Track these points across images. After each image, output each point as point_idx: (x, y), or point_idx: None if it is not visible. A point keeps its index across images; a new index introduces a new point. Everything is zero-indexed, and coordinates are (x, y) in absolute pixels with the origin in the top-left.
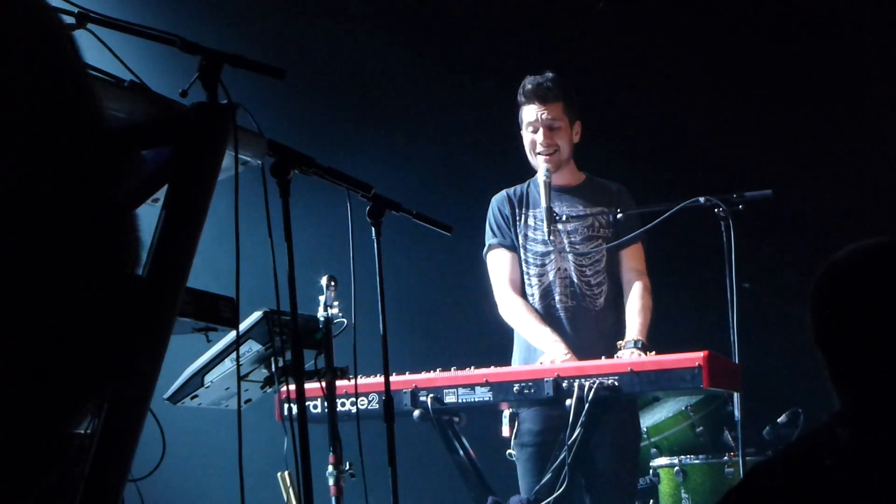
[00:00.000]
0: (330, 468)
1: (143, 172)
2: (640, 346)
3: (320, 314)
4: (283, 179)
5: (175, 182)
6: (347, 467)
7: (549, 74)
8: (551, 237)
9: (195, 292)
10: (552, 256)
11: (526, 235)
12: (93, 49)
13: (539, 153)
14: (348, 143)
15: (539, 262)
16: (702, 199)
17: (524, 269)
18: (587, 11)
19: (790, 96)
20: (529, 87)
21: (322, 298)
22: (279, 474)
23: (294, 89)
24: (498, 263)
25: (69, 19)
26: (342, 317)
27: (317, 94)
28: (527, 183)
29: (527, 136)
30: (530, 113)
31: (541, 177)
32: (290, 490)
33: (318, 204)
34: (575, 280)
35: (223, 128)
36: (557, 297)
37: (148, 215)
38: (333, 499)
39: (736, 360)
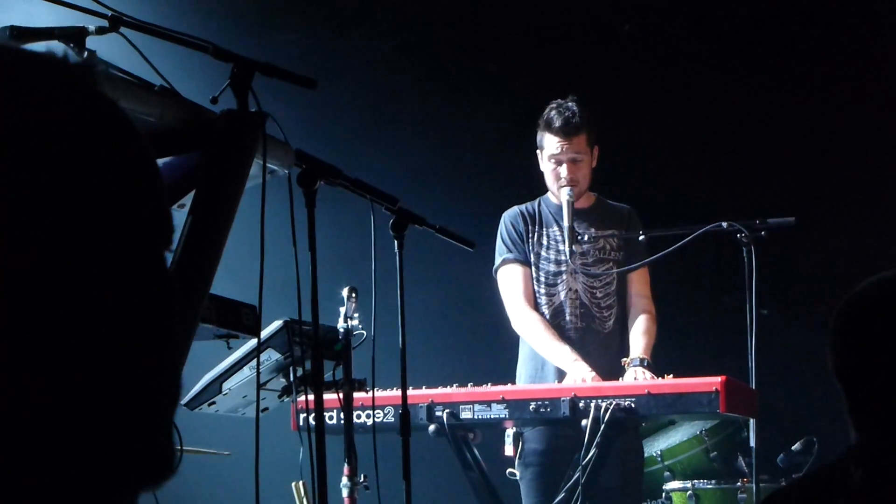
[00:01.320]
0: (344, 479)
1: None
2: (645, 364)
3: (340, 325)
4: (309, 189)
5: (202, 188)
6: (362, 479)
7: (573, 106)
8: (571, 258)
9: (218, 299)
10: (564, 276)
11: (538, 254)
12: (124, 53)
13: (562, 186)
14: (374, 154)
15: (551, 282)
16: (724, 224)
17: (535, 287)
18: (612, 33)
19: (815, 123)
20: (557, 123)
21: (342, 309)
22: (293, 484)
23: (321, 99)
24: (512, 278)
25: (102, 22)
26: (362, 328)
27: (344, 105)
28: (537, 201)
29: (548, 164)
30: (553, 145)
31: (564, 197)
32: (305, 500)
33: (342, 215)
34: (585, 301)
35: (252, 136)
36: (568, 318)
37: (174, 220)
38: None
39: (753, 386)
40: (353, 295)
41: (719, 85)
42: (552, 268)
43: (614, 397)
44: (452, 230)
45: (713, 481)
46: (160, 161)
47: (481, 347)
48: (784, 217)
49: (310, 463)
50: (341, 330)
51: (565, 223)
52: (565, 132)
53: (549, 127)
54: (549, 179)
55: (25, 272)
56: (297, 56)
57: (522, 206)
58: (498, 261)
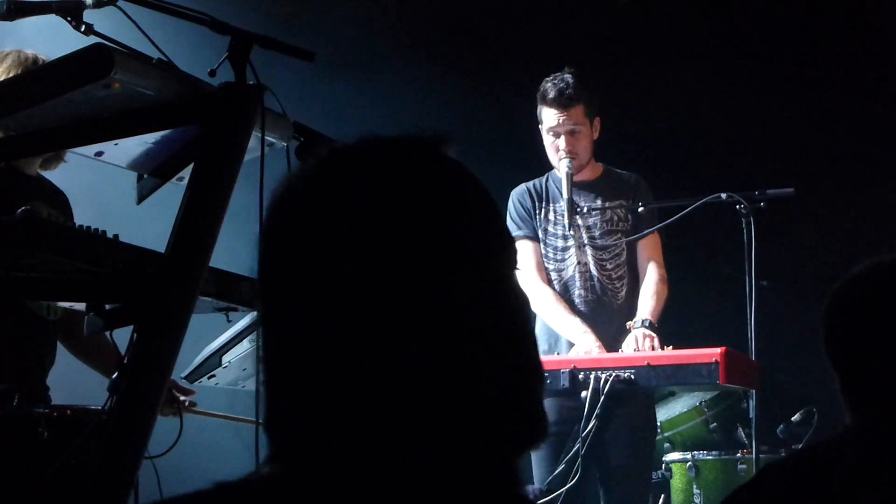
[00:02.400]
0: None
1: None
2: (647, 324)
3: None
4: None
5: (200, 161)
6: None
7: (569, 78)
8: (571, 231)
9: (217, 272)
10: (572, 251)
11: (546, 230)
12: (122, 26)
13: (561, 158)
14: (373, 127)
15: (559, 257)
16: (723, 196)
17: (546, 263)
18: (611, 6)
19: (814, 94)
20: (551, 94)
21: None
22: None
23: (319, 72)
24: (523, 255)
25: None
26: None
27: (342, 77)
28: (545, 177)
29: (547, 137)
30: (551, 117)
31: (563, 169)
32: None
33: None
34: (595, 274)
35: (250, 109)
36: (577, 292)
37: (172, 193)
38: None
39: (753, 357)
40: None
41: (718, 56)
42: (560, 242)
43: (614, 369)
44: None
45: (713, 452)
46: (158, 134)
47: None
48: (783, 188)
49: None
50: None
51: (564, 195)
52: (560, 103)
53: (545, 99)
54: (550, 153)
55: (446, 291)
56: (295, 28)
57: (530, 183)
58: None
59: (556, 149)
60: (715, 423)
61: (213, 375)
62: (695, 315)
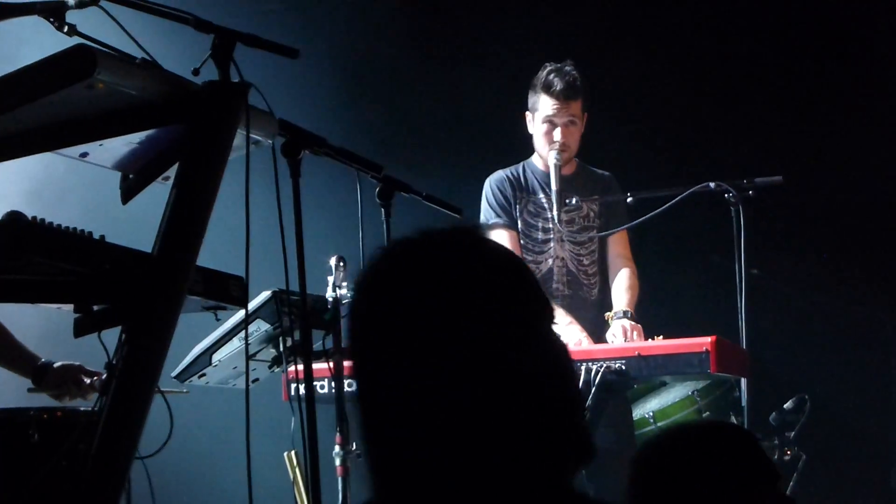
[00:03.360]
0: (337, 448)
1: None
2: (629, 315)
3: (329, 294)
4: (293, 159)
5: (186, 160)
6: (354, 448)
7: (573, 70)
8: (560, 225)
9: (205, 271)
10: (551, 244)
11: (526, 221)
12: (105, 26)
13: (552, 149)
14: (360, 124)
15: (537, 250)
16: (712, 185)
17: (524, 255)
18: None
19: (801, 82)
20: (559, 86)
21: (331, 279)
22: (286, 454)
23: (305, 70)
24: (501, 243)
25: None
26: (351, 297)
27: (328, 75)
28: (521, 166)
29: (540, 126)
30: (548, 106)
31: (551, 161)
32: (297, 470)
33: (328, 184)
34: (572, 269)
35: (235, 107)
36: (554, 286)
37: (158, 193)
38: (340, 479)
39: (743, 345)
40: (342, 264)
41: (705, 45)
42: (540, 235)
43: (605, 359)
44: (439, 197)
45: None
46: (143, 134)
47: None
48: (772, 176)
49: (301, 432)
50: (330, 299)
51: (553, 187)
52: (566, 95)
53: (547, 89)
54: (540, 142)
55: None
56: (279, 26)
57: (507, 171)
58: (484, 225)
59: (549, 139)
60: (707, 412)
61: (204, 374)
62: (685, 304)
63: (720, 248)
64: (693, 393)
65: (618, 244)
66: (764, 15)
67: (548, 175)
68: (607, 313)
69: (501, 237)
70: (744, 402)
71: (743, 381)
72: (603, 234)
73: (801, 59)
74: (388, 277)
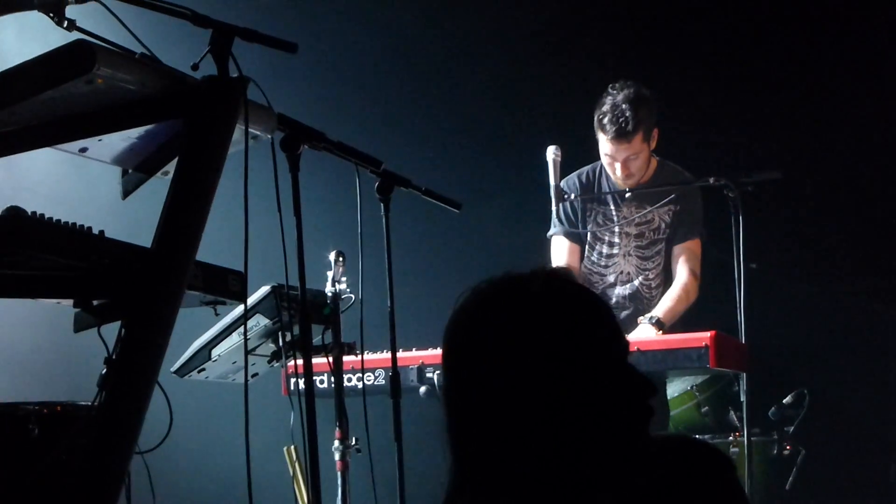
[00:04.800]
0: (336, 443)
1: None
2: (654, 321)
3: (328, 289)
4: (292, 154)
5: (185, 155)
6: (354, 442)
7: (627, 110)
8: (613, 238)
9: (204, 265)
10: (616, 259)
11: (594, 234)
12: (104, 21)
13: (616, 176)
14: (359, 118)
15: (602, 263)
16: (711, 180)
17: (587, 265)
18: None
19: (800, 77)
20: (610, 130)
21: (330, 274)
22: (285, 449)
23: (305, 64)
24: (556, 252)
25: None
26: (350, 292)
27: (328, 69)
28: (598, 168)
29: (604, 157)
30: (605, 145)
31: (549, 155)
32: (297, 464)
33: (328, 179)
34: (636, 284)
35: (234, 102)
36: (615, 301)
37: (158, 188)
38: (339, 474)
39: (743, 340)
40: (341, 259)
41: (703, 40)
42: (605, 249)
43: None
44: (438, 192)
45: (705, 436)
46: (142, 129)
47: None
48: (770, 171)
49: (301, 427)
50: (329, 294)
51: (551, 181)
52: (620, 137)
53: (602, 130)
54: (607, 168)
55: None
56: (278, 20)
57: (583, 174)
58: (550, 230)
59: (612, 169)
60: (707, 407)
61: (203, 369)
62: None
63: (719, 243)
64: (692, 388)
65: (682, 253)
66: (762, 10)
67: (616, 184)
68: (640, 318)
69: (559, 245)
70: (743, 397)
71: (742, 376)
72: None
73: (799, 53)
74: (480, 317)
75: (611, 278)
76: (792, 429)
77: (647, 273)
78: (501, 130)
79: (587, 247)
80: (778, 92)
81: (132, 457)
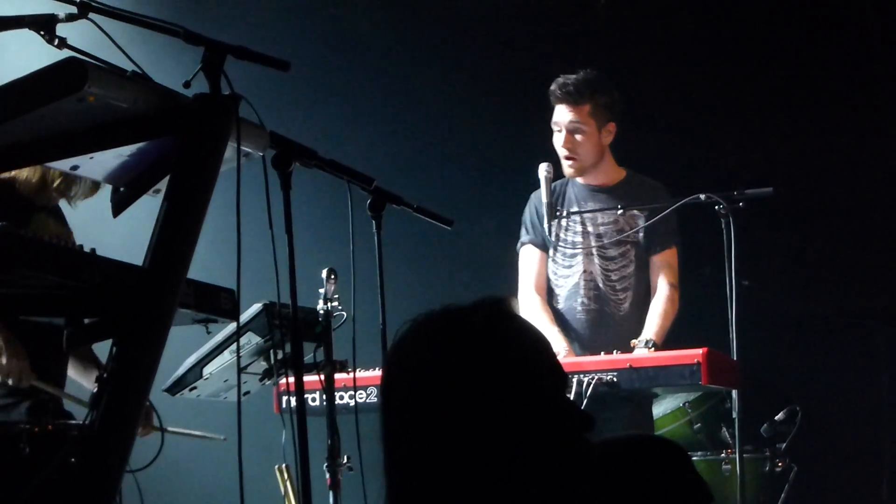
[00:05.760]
0: (328, 461)
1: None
2: (651, 346)
3: (320, 307)
4: (284, 172)
5: (177, 173)
6: (346, 460)
7: (581, 74)
8: (581, 237)
9: (196, 283)
10: (579, 258)
11: (558, 236)
12: (95, 39)
13: (562, 158)
14: (351, 136)
15: (566, 264)
16: (702, 196)
17: (552, 268)
18: (589, 8)
19: (792, 93)
20: (555, 87)
21: (322, 291)
22: (277, 467)
23: (298, 83)
24: (526, 261)
25: (71, 9)
26: (342, 310)
27: (319, 87)
28: (566, 179)
29: (555, 135)
30: (557, 112)
31: (541, 173)
32: (289, 483)
33: (320, 197)
34: (600, 284)
35: (225, 119)
36: (580, 300)
37: (149, 206)
38: (331, 492)
39: (735, 357)
40: (333, 276)
41: (693, 57)
42: (569, 249)
43: (596, 371)
44: (430, 209)
45: (698, 453)
46: (133, 147)
47: None
48: (762, 188)
49: (293, 446)
50: (321, 312)
51: (543, 199)
52: (561, 98)
53: (552, 95)
54: (559, 154)
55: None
56: (270, 38)
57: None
58: (519, 241)
59: (557, 147)
60: (699, 424)
61: (195, 388)
62: (677, 316)
63: (711, 260)
64: (684, 405)
65: (660, 264)
66: (753, 26)
67: (586, 188)
68: (633, 340)
69: (528, 254)
70: (735, 414)
71: (734, 393)
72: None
73: (790, 70)
74: (414, 359)
75: (575, 278)
76: (784, 445)
77: (609, 274)
78: (494, 148)
79: (551, 249)
80: (770, 108)
81: (123, 476)
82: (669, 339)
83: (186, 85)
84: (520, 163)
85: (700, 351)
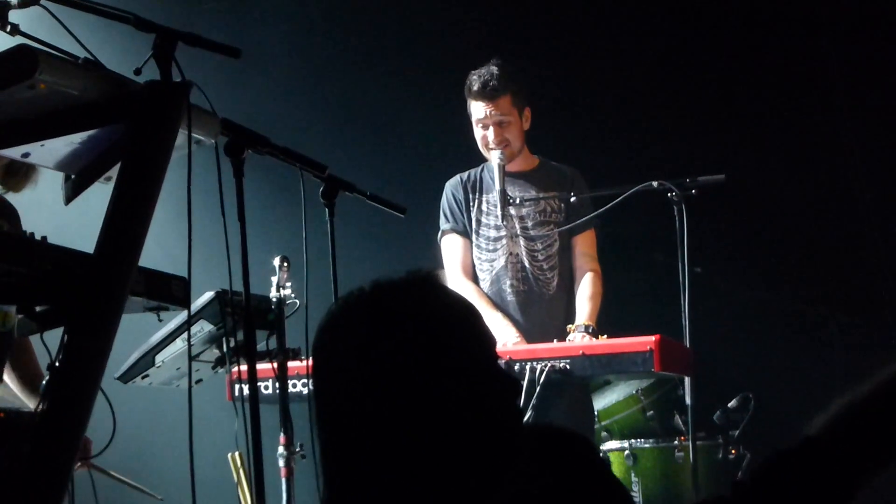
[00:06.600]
0: (281, 449)
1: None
2: (590, 330)
3: (273, 295)
4: (236, 159)
5: (128, 160)
6: (298, 448)
7: (494, 69)
8: (504, 221)
9: (147, 271)
10: (504, 241)
11: (479, 220)
12: (46, 25)
13: (492, 149)
14: (304, 124)
15: (490, 248)
16: (655, 184)
17: (476, 254)
18: None
19: (744, 81)
20: (476, 86)
21: (274, 279)
22: (230, 455)
23: (250, 70)
24: (450, 249)
25: None
26: (294, 298)
27: (272, 75)
28: (480, 167)
29: (477, 131)
30: (478, 109)
31: (495, 161)
32: (241, 471)
33: (272, 184)
34: (527, 265)
35: (176, 106)
36: (508, 283)
37: (100, 193)
38: (284, 480)
39: (687, 344)
40: (285, 264)
41: (646, 43)
42: (492, 233)
43: (549, 359)
44: (383, 196)
45: (650, 440)
46: (85, 134)
47: None
48: (714, 175)
49: (245, 433)
50: (274, 299)
51: (497, 186)
52: (485, 95)
53: (470, 92)
54: (480, 146)
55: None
56: (222, 25)
57: (465, 174)
58: (440, 231)
59: (485, 141)
60: (652, 411)
61: (147, 375)
62: (629, 303)
63: (663, 247)
64: (637, 392)
65: (582, 244)
66: (705, 13)
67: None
68: (569, 325)
69: (451, 242)
70: (688, 401)
71: (687, 380)
72: (558, 230)
73: (741, 57)
74: (344, 332)
75: (502, 259)
76: (737, 433)
77: (535, 255)
78: (449, 135)
79: (474, 234)
80: (722, 95)
81: (74, 464)
82: (622, 326)
83: (137, 72)
84: (475, 151)
85: (652, 338)
